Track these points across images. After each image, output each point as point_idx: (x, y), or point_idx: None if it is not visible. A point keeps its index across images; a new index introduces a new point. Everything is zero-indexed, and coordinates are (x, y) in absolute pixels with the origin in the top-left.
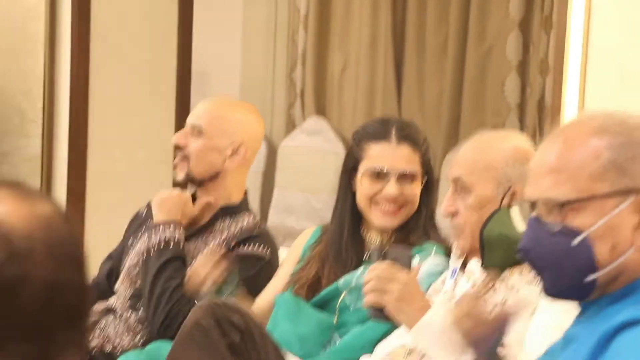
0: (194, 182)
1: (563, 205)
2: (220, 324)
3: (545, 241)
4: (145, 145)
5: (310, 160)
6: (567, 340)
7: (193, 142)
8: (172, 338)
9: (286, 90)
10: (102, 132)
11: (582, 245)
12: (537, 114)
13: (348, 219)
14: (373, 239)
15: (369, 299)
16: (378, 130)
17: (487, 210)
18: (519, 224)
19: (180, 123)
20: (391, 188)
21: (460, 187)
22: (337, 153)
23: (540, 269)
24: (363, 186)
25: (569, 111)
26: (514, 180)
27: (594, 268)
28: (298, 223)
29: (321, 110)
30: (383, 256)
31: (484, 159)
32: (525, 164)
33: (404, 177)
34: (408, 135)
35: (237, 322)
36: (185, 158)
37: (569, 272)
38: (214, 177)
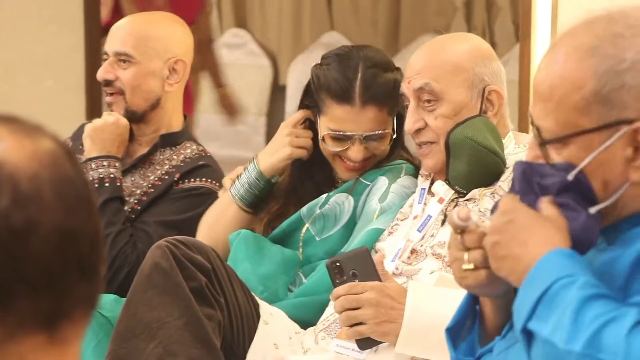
0: (134, 117)
1: (545, 144)
2: (183, 266)
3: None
4: (53, 71)
5: (232, 77)
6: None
7: (122, 72)
8: (117, 292)
9: None
10: (5, 59)
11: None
12: (485, 13)
13: (314, 152)
14: None
15: (347, 334)
16: (340, 90)
17: (463, 116)
18: (496, 136)
19: (90, 46)
20: (355, 152)
21: (428, 97)
22: (261, 67)
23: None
24: (326, 144)
25: (542, 7)
26: (487, 79)
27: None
28: (222, 150)
29: (241, 20)
30: (339, 272)
31: (450, 61)
32: (493, 60)
33: (370, 138)
34: (374, 95)
35: (202, 263)
36: (119, 92)
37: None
38: (155, 105)
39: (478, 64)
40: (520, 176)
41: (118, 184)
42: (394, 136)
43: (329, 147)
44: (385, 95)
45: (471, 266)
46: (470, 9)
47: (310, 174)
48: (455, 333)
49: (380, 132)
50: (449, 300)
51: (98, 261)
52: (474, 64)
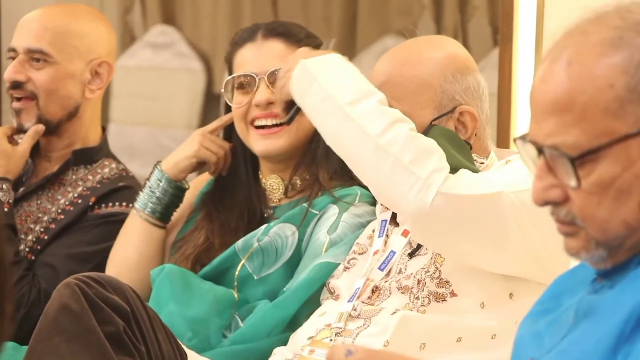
0: (47, 128)
1: (574, 162)
2: (96, 307)
3: None
4: None
5: (157, 82)
6: (582, 313)
7: (36, 73)
8: (15, 338)
9: None
10: None
11: None
12: (458, 12)
13: (239, 162)
14: (274, 186)
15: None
16: (244, 33)
17: None
18: (459, 145)
19: None
20: (259, 94)
21: None
22: (192, 71)
23: None
24: (233, 105)
25: (525, 6)
26: (459, 98)
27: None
28: (144, 169)
29: (169, 16)
30: None
31: (414, 77)
32: (468, 74)
33: (276, 76)
34: (278, 29)
35: (118, 304)
36: (31, 97)
37: None
38: (73, 114)
39: (448, 79)
40: None
41: (5, 209)
42: None
43: (236, 107)
44: (295, 33)
45: None
46: (440, 7)
47: (231, 197)
48: None
49: None
50: None
51: (3, 297)
52: (442, 80)
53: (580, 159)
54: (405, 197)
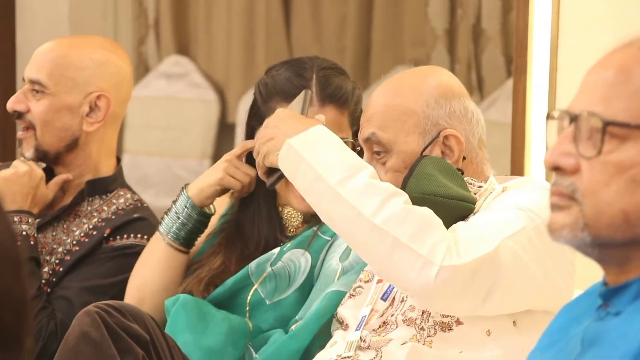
0: (47, 158)
1: (605, 127)
2: (116, 336)
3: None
4: None
5: (171, 113)
6: (588, 341)
7: (35, 104)
8: None
9: (134, 19)
10: None
11: None
12: (472, 43)
13: (258, 190)
14: (293, 215)
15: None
16: (295, 88)
17: None
18: (452, 173)
19: (6, 73)
20: None
21: (377, 148)
22: (206, 102)
23: None
24: None
25: (539, 38)
26: (443, 122)
27: None
28: (158, 199)
29: (183, 46)
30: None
31: (398, 105)
32: (452, 99)
33: None
34: (332, 94)
35: (138, 333)
36: (31, 127)
37: None
38: (72, 146)
39: (430, 105)
40: None
41: (32, 242)
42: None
43: None
44: (344, 97)
45: None
46: (454, 38)
47: (257, 225)
48: None
49: (343, 138)
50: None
51: (23, 332)
52: (425, 105)
53: (612, 127)
54: (408, 276)
